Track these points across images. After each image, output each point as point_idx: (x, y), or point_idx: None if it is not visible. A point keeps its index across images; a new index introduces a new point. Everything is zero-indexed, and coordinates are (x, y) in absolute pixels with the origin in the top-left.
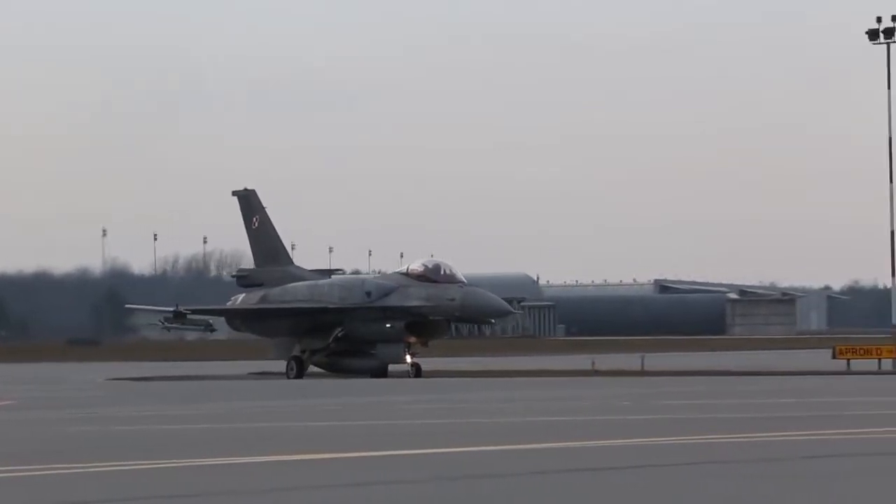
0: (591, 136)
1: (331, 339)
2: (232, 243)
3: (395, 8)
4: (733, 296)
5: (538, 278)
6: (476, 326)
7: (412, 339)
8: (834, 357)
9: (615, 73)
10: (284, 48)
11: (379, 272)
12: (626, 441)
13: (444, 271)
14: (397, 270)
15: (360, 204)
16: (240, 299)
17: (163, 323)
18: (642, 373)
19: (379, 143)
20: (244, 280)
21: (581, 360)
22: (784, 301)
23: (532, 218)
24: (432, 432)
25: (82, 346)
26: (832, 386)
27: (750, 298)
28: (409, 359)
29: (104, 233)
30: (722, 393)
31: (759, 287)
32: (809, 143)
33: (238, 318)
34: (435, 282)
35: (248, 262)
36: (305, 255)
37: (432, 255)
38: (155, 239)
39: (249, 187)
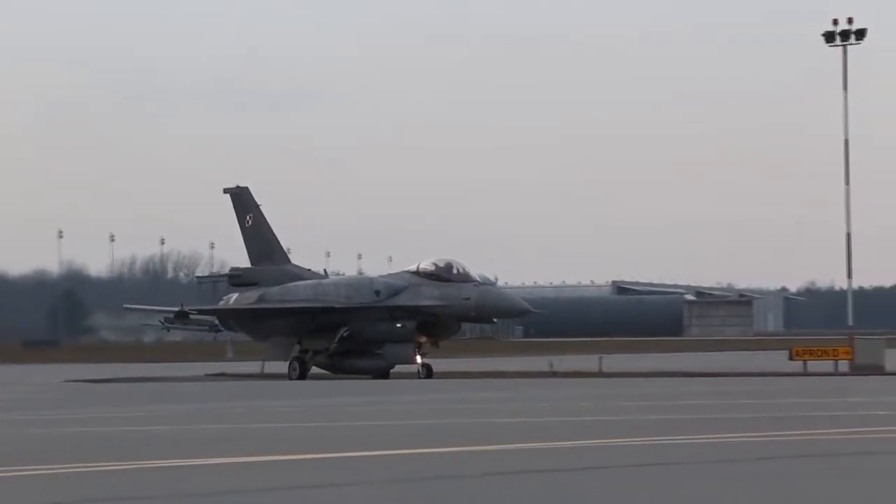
0: (547, 138)
1: (336, 340)
2: (189, 245)
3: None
4: (690, 297)
5: (496, 279)
6: None
7: (422, 339)
8: (790, 358)
9: (559, 75)
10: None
11: (338, 273)
12: (584, 442)
13: (458, 270)
14: (406, 269)
15: (317, 205)
16: (233, 299)
17: (163, 323)
18: (600, 374)
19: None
20: (238, 280)
21: (539, 362)
22: (741, 303)
23: (489, 218)
24: (386, 434)
25: (39, 349)
26: (789, 387)
27: (707, 300)
28: (419, 359)
29: (60, 234)
30: (679, 394)
31: (717, 288)
32: (766, 145)
33: (236, 317)
34: (448, 281)
35: (206, 263)
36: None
37: (430, 256)
38: (112, 240)
39: (242, 184)
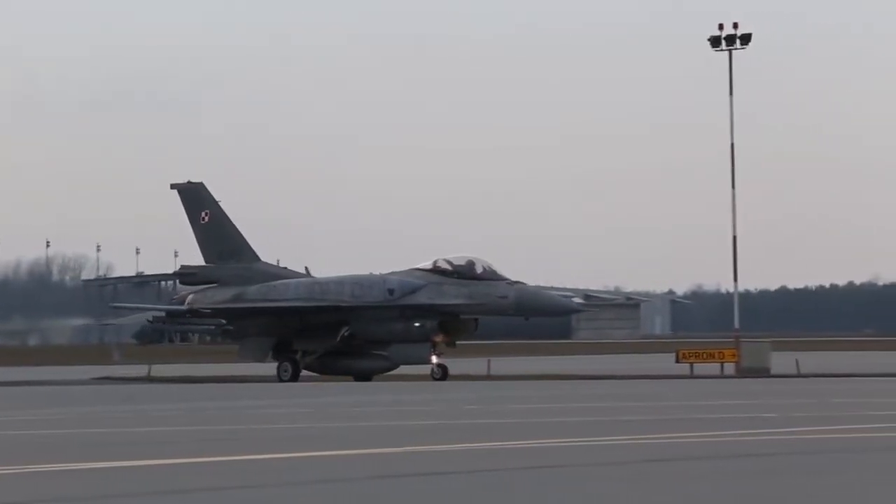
0: (438, 142)
1: (337, 339)
2: (74, 247)
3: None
4: (579, 300)
5: None
6: None
7: (439, 339)
8: (677, 361)
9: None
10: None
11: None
12: (471, 445)
13: (485, 268)
14: (416, 267)
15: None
16: (189, 298)
17: (151, 322)
18: (488, 377)
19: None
20: (191, 278)
21: (424, 366)
22: (628, 306)
23: (377, 217)
24: (280, 437)
25: None
26: (675, 389)
27: (595, 303)
28: (434, 359)
29: None
30: (567, 397)
31: (604, 292)
32: (653, 148)
33: (226, 317)
34: (476, 279)
35: (91, 266)
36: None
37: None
38: None
39: (194, 180)
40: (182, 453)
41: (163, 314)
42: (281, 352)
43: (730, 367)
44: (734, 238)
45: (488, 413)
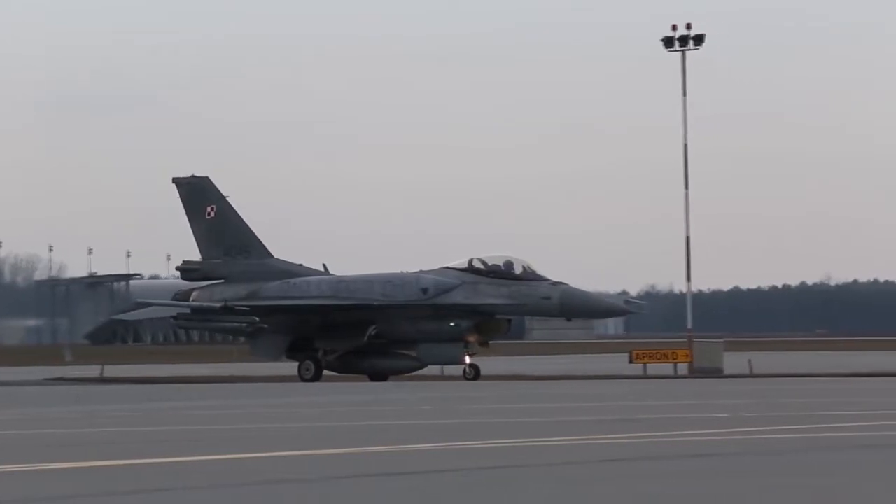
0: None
1: (365, 338)
2: (26, 247)
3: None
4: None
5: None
6: None
7: (472, 339)
8: (630, 361)
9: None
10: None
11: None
12: (425, 446)
13: (524, 267)
14: (448, 266)
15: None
16: (194, 294)
17: (175, 319)
18: (442, 377)
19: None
20: (194, 274)
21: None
22: None
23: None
24: (224, 438)
25: None
26: (628, 390)
27: None
28: (467, 359)
29: None
30: (522, 397)
31: None
32: (608, 147)
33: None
34: (517, 279)
35: (44, 267)
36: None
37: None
38: None
39: (199, 174)
40: (127, 454)
41: (188, 311)
42: (300, 350)
43: (683, 368)
44: (687, 238)
45: (444, 414)
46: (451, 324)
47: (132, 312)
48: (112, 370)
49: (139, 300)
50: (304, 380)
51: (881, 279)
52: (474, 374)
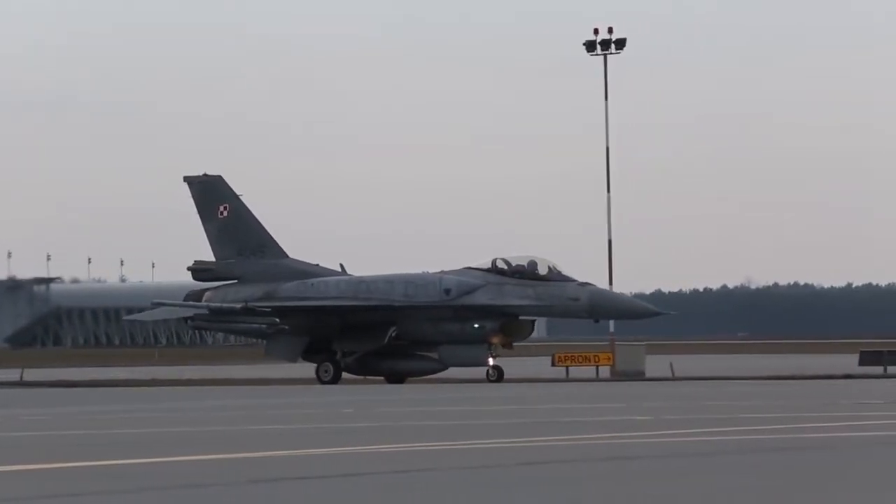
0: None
1: (385, 339)
2: None
3: None
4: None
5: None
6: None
7: (497, 340)
8: (553, 364)
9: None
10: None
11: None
12: (347, 449)
13: (550, 268)
14: (471, 266)
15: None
16: (207, 295)
17: (191, 320)
18: (365, 381)
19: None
20: (206, 274)
21: (306, 369)
22: None
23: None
24: (140, 442)
25: None
26: (550, 393)
27: None
28: (490, 361)
29: None
30: (443, 400)
31: None
32: (529, 151)
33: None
34: (542, 279)
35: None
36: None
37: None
38: None
39: (211, 172)
40: (45, 458)
41: (206, 312)
42: (317, 352)
43: (605, 371)
44: (609, 242)
45: (365, 416)
46: (476, 325)
47: (146, 312)
48: (32, 374)
49: (155, 301)
50: (322, 382)
51: (801, 282)
52: (497, 375)
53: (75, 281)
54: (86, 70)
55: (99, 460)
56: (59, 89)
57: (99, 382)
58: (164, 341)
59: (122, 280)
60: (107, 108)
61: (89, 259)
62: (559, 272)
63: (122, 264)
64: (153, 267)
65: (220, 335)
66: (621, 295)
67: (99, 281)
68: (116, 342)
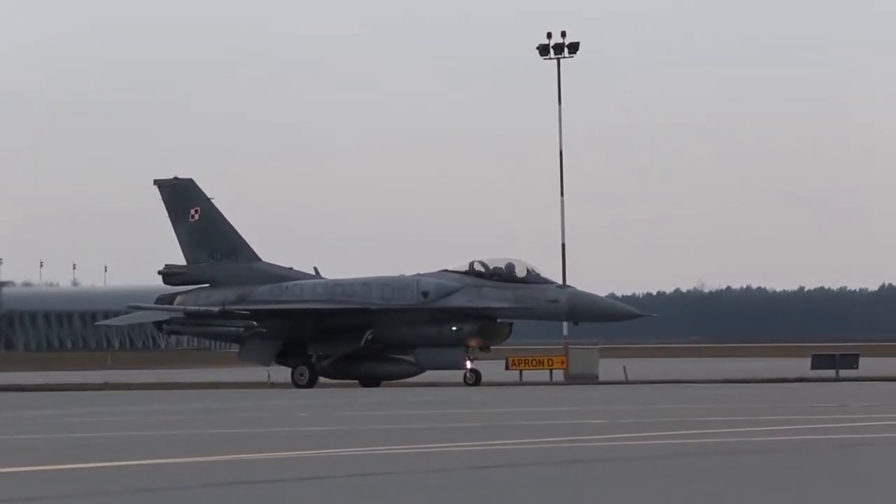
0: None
1: (361, 343)
2: None
3: None
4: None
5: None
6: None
7: (474, 343)
8: (507, 368)
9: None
10: None
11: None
12: (300, 453)
13: (528, 270)
14: (448, 269)
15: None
16: (179, 299)
17: (166, 324)
18: (321, 385)
19: None
20: (178, 278)
21: (258, 373)
22: None
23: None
24: (91, 446)
25: None
26: (504, 396)
27: None
28: (468, 364)
29: None
30: (398, 404)
31: None
32: (484, 153)
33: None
34: (521, 282)
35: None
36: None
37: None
38: None
39: (182, 175)
40: None
41: (181, 315)
42: (292, 356)
43: (559, 374)
44: (563, 245)
45: (319, 420)
46: (454, 328)
47: (121, 317)
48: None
49: (131, 304)
50: (298, 385)
51: (754, 286)
52: (475, 379)
53: (27, 284)
54: (43, 70)
55: (45, 465)
56: (14, 88)
57: (51, 386)
58: (116, 345)
59: (75, 284)
60: (61, 109)
61: (41, 262)
62: (538, 274)
63: (74, 268)
64: (106, 270)
65: (172, 339)
66: (602, 298)
67: (51, 285)
68: (69, 346)
